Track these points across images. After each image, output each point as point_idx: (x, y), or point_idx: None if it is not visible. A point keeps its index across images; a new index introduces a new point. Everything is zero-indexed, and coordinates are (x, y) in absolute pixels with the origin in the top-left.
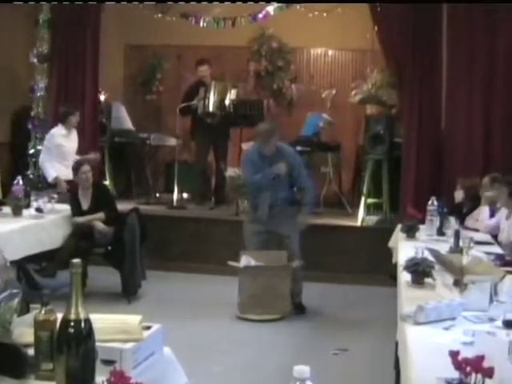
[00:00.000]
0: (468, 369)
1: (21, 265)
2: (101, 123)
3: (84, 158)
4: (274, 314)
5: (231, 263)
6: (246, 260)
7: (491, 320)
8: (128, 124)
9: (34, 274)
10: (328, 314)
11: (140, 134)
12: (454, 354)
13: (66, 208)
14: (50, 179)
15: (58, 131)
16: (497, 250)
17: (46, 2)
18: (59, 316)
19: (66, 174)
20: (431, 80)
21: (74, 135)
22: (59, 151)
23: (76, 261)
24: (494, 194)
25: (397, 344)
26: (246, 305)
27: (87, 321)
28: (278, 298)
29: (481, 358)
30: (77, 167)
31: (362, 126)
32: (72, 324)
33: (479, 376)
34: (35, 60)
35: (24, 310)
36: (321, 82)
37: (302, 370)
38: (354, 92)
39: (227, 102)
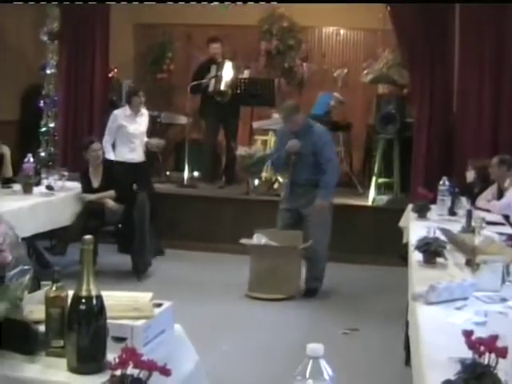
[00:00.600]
0: (482, 348)
1: (31, 242)
2: (111, 101)
3: (147, 142)
4: (280, 294)
5: (243, 241)
6: (257, 239)
7: (503, 300)
8: None
9: (44, 251)
10: (338, 293)
11: (150, 113)
12: (467, 334)
13: (76, 186)
14: None
15: (122, 112)
16: (509, 230)
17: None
18: (70, 293)
19: (131, 157)
20: (443, 61)
21: (142, 117)
22: (122, 132)
23: (87, 237)
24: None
25: (407, 324)
26: (254, 283)
27: (99, 297)
28: (284, 280)
29: (495, 338)
30: (87, 145)
31: (373, 106)
32: (83, 301)
33: (493, 356)
34: (45, 38)
35: (35, 286)
36: (332, 61)
37: (315, 348)
38: (365, 71)
39: (238, 80)
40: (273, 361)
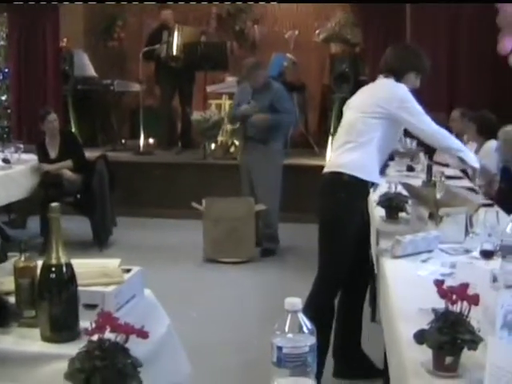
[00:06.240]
0: (454, 297)
1: None
2: (63, 71)
3: None
4: (238, 258)
5: (194, 205)
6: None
7: (467, 251)
8: (90, 71)
9: (3, 226)
10: (297, 253)
11: (103, 81)
12: (438, 283)
13: (33, 158)
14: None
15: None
16: (467, 183)
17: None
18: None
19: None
20: (395, 17)
21: None
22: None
23: (54, 205)
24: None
25: (373, 279)
26: (210, 249)
27: (69, 265)
28: (241, 242)
29: (465, 286)
30: (43, 116)
31: (327, 66)
32: (53, 269)
33: (465, 304)
34: None
35: (1, 258)
36: (283, 22)
37: (293, 302)
38: (317, 31)
39: (190, 45)
40: (244, 321)
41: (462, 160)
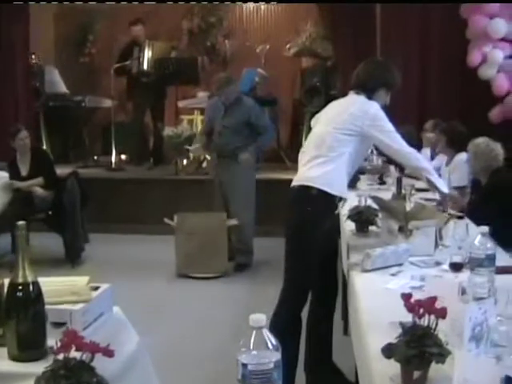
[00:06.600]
0: (421, 310)
1: None
2: (34, 88)
3: None
4: (211, 273)
5: (166, 221)
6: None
7: (437, 264)
8: (62, 87)
9: None
10: (270, 267)
11: (75, 97)
12: (406, 297)
13: (4, 175)
14: None
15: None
16: (437, 196)
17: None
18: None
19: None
20: (366, 31)
21: None
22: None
23: (21, 223)
24: (434, 136)
25: (344, 294)
26: (183, 265)
27: (35, 283)
28: (213, 257)
29: (433, 299)
30: (14, 133)
31: (298, 80)
32: (20, 288)
33: (432, 317)
34: None
35: None
36: (254, 37)
37: (258, 318)
38: (288, 45)
39: (161, 61)
40: (216, 336)
41: (429, 182)
